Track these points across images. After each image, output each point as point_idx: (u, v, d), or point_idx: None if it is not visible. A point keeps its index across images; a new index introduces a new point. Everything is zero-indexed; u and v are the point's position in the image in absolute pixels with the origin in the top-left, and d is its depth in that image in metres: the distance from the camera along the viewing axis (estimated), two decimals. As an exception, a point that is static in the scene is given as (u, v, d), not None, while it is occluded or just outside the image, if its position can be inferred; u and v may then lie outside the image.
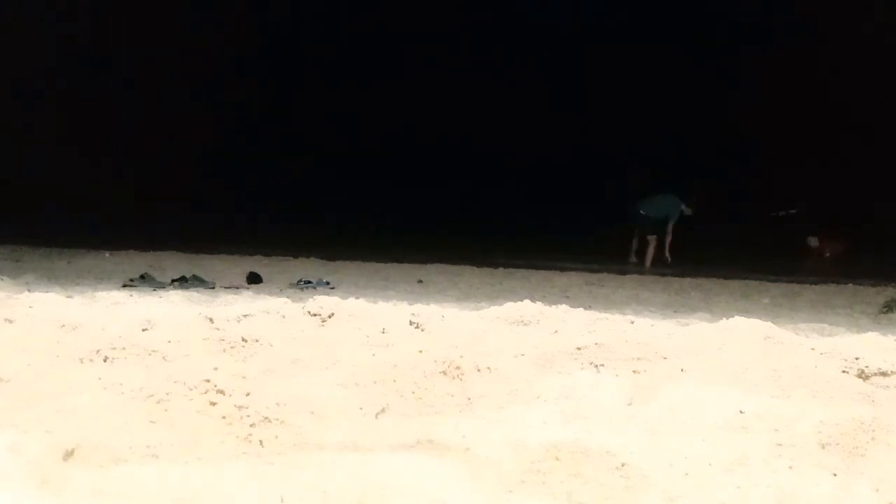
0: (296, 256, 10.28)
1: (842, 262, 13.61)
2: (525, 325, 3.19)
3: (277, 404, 1.84)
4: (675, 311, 6.31)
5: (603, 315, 3.48)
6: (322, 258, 10.16)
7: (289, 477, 1.52)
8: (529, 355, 2.54)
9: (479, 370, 2.24)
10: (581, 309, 3.69)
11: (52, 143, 16.68)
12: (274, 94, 20.82)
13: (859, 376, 2.39)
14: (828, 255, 14.44)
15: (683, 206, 12.99)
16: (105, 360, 2.31)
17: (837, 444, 1.79)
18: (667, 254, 13.05)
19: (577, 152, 19.38)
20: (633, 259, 13.06)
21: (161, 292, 5.90)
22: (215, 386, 1.84)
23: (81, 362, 2.29)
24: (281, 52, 20.58)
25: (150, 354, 2.37)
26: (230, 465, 1.58)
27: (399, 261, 10.09)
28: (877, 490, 1.62)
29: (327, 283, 7.61)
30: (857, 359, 2.46)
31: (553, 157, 19.71)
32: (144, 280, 7.18)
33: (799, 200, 14.88)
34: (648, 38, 19.52)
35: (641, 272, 11.55)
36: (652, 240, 13.04)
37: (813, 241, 14.60)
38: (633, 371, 2.39)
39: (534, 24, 21.02)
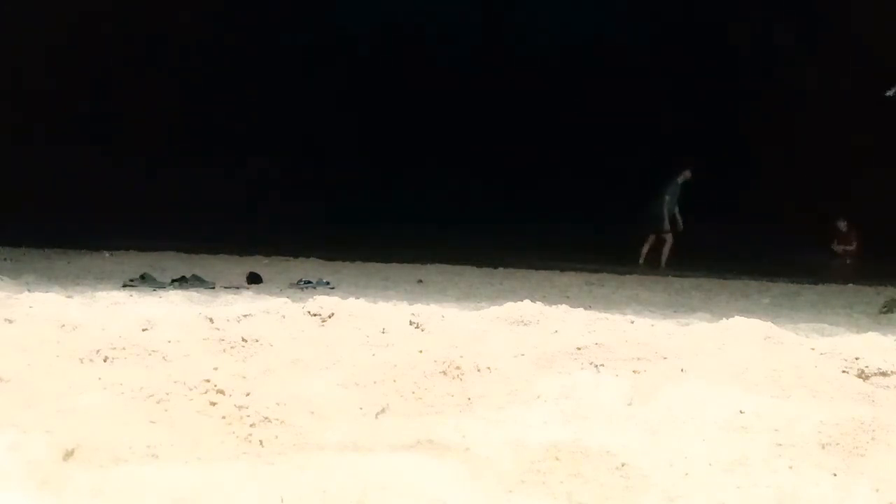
0: (296, 256, 10.28)
1: (855, 262, 13.68)
2: (525, 325, 3.18)
3: (277, 404, 1.84)
4: (675, 311, 6.31)
5: (603, 315, 3.48)
6: (322, 258, 10.15)
7: (289, 477, 1.51)
8: (529, 355, 2.54)
9: (479, 370, 2.24)
10: (581, 309, 3.69)
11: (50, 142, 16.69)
12: (272, 93, 20.82)
13: (859, 376, 2.39)
14: (851, 247, 14.51)
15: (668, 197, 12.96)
16: (105, 360, 2.31)
17: (837, 444, 1.79)
18: (640, 259, 13.08)
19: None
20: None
21: (161, 292, 5.90)
22: (215, 386, 1.84)
23: (81, 362, 2.29)
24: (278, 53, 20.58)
25: (150, 354, 2.36)
26: (230, 465, 1.58)
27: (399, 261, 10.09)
28: (877, 490, 1.62)
29: (327, 283, 7.61)
30: (857, 359, 2.46)
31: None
32: (144, 280, 7.18)
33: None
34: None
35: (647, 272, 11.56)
36: (651, 239, 13.07)
37: (842, 225, 14.67)
38: (633, 371, 2.39)
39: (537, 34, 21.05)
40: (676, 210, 13.09)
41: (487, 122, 20.32)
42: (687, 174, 13.01)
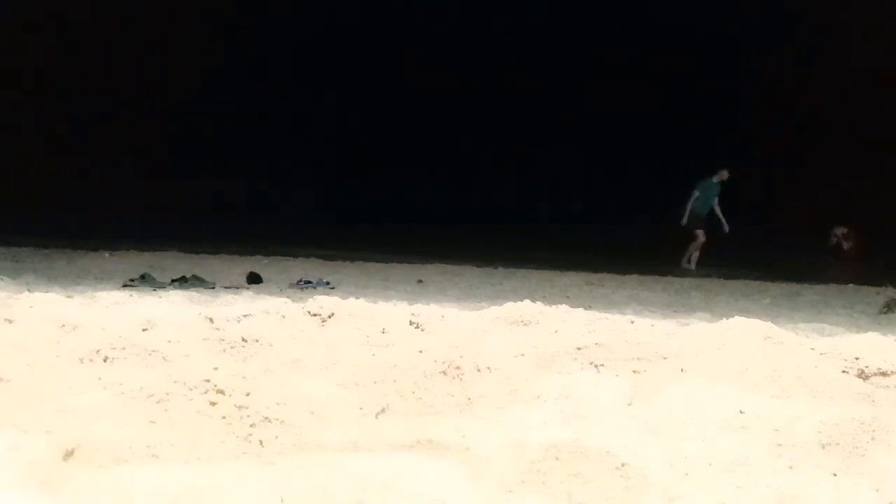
0: (296, 256, 10.27)
1: (856, 261, 13.69)
2: (525, 325, 3.18)
3: (277, 404, 1.84)
4: (675, 311, 6.31)
5: (603, 315, 3.47)
6: (322, 258, 10.15)
7: (289, 477, 1.51)
8: (529, 355, 2.54)
9: (479, 370, 2.24)
10: (581, 309, 3.69)
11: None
12: (273, 96, 20.82)
13: (859, 376, 2.39)
14: (848, 248, 14.54)
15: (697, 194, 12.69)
16: (105, 360, 2.31)
17: (837, 444, 1.79)
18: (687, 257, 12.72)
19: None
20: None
21: (161, 292, 5.89)
22: (215, 386, 1.84)
23: (81, 362, 2.29)
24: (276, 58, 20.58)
25: (150, 354, 2.36)
26: (230, 465, 1.58)
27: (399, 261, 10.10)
28: (877, 490, 1.62)
29: (327, 283, 7.61)
30: (857, 359, 2.45)
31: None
32: (144, 280, 7.17)
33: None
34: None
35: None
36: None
37: (839, 231, 14.70)
38: (633, 371, 2.39)
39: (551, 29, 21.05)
40: (718, 211, 12.72)
41: (488, 122, 20.32)
42: (724, 174, 12.72)
